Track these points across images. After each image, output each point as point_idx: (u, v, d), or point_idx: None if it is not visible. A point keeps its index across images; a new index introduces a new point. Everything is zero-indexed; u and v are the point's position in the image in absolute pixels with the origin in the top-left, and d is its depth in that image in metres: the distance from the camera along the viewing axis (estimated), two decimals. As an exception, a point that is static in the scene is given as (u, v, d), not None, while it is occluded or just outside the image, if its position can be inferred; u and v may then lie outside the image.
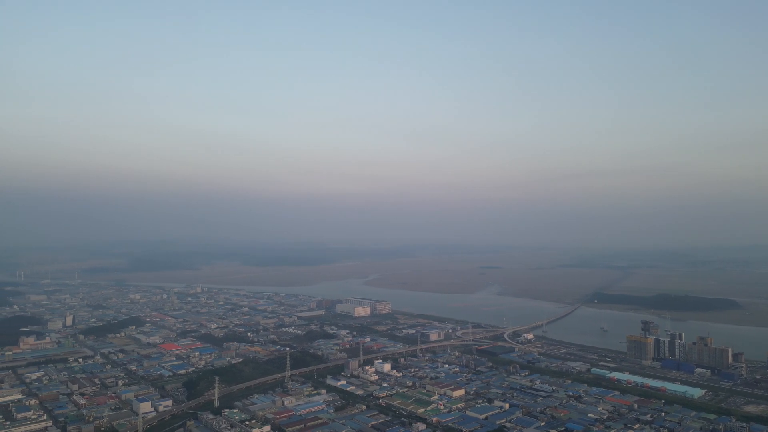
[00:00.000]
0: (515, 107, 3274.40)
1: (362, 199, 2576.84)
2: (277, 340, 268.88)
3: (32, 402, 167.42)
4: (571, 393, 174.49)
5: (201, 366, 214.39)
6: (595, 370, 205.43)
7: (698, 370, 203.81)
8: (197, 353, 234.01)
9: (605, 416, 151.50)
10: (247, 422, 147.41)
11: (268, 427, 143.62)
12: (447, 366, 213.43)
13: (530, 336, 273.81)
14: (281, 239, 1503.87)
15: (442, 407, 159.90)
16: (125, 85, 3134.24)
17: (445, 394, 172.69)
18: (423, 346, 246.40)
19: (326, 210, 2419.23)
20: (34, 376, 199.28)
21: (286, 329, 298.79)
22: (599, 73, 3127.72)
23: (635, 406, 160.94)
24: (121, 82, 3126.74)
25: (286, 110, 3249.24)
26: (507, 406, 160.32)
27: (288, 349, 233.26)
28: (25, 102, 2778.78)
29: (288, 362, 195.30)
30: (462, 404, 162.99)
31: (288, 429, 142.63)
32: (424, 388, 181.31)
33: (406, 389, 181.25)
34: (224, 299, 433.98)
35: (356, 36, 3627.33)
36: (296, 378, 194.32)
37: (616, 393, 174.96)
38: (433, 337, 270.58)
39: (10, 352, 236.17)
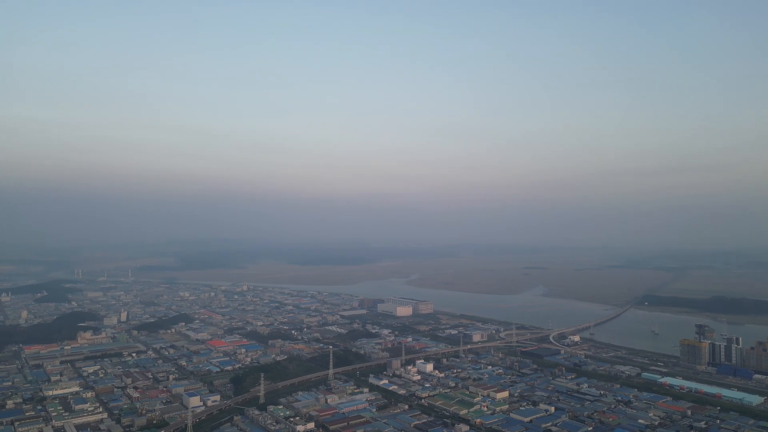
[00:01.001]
0: (554, 103, 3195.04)
1: (403, 198, 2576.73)
2: (320, 338, 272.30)
3: (89, 394, 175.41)
4: (620, 398, 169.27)
5: (247, 363, 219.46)
6: (645, 374, 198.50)
7: (756, 376, 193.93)
8: (243, 350, 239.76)
9: (656, 422, 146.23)
10: (292, 419, 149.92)
11: (312, 424, 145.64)
12: (490, 367, 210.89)
13: (576, 338, 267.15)
14: (324, 239, 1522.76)
15: (485, 409, 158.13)
16: (155, 87, 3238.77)
17: (488, 395, 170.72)
18: (466, 347, 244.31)
19: (368, 209, 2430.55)
20: (91, 370, 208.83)
21: (329, 328, 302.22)
22: (630, 71, 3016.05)
23: (689, 412, 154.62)
24: (152, 83, 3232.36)
25: (323, 110, 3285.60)
26: (552, 409, 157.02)
27: (331, 347, 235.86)
28: (71, 105, 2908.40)
29: (331, 360, 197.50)
30: (506, 406, 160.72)
31: (331, 427, 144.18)
32: (467, 389, 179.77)
33: (448, 390, 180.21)
34: (269, 297, 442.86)
35: (385, 36, 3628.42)
36: (339, 376, 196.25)
37: (668, 399, 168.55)
38: (476, 338, 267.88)
39: (69, 347, 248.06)
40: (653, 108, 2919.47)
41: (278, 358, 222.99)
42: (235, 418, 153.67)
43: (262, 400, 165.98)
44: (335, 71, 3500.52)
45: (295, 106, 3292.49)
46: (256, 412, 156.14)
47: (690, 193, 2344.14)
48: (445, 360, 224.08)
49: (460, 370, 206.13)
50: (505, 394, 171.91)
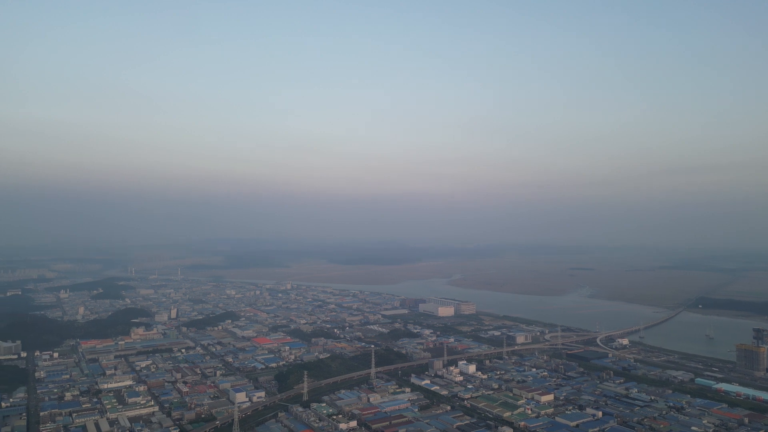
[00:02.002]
0: (602, 101, 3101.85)
1: (443, 198, 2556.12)
2: (362, 337, 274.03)
3: (141, 388, 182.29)
4: (671, 404, 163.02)
5: (291, 360, 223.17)
6: (699, 380, 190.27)
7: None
8: (287, 347, 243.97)
9: (711, 430, 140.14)
10: (335, 417, 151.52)
11: (354, 423, 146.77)
12: (535, 370, 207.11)
13: (625, 342, 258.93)
14: (365, 238, 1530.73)
15: (529, 412, 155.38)
16: (195, 91, 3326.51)
17: (532, 398, 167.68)
18: (509, 348, 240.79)
19: (409, 209, 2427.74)
20: (143, 364, 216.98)
21: (371, 327, 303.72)
22: (684, 66, 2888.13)
23: (746, 420, 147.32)
24: (191, 87, 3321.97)
25: (365, 111, 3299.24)
26: (600, 414, 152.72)
27: (373, 346, 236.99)
28: (116, 109, 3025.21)
29: (373, 359, 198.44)
30: (551, 410, 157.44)
31: (374, 425, 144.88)
32: (511, 391, 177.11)
33: (491, 392, 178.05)
34: (312, 296, 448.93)
35: (409, 35, 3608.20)
36: (381, 375, 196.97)
37: (724, 406, 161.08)
38: (520, 339, 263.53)
39: (123, 342, 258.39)
40: (697, 103, 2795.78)
41: (321, 356, 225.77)
42: (280, 414, 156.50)
43: (305, 398, 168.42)
44: (362, 72, 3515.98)
45: (329, 107, 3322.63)
46: (300, 409, 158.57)
47: (745, 191, 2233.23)
48: (487, 361, 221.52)
49: (503, 372, 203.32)
50: (550, 397, 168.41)
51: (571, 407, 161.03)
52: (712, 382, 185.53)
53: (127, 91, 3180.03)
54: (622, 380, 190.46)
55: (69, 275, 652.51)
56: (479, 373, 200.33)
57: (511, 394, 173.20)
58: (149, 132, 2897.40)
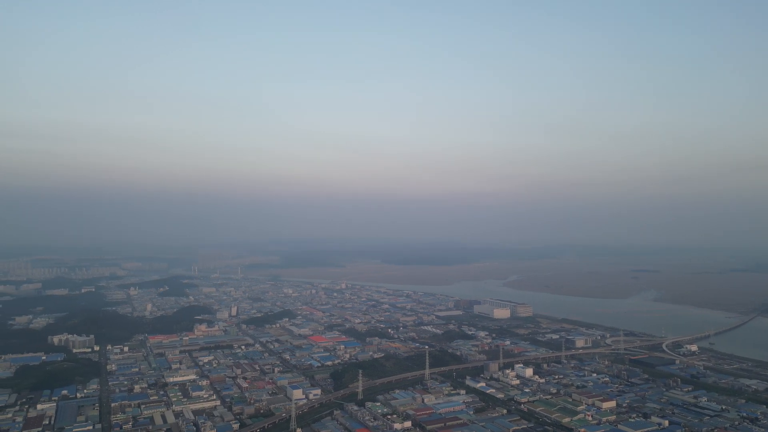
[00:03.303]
0: (658, 98, 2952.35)
1: (499, 198, 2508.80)
2: (416, 337, 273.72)
3: (204, 382, 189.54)
4: (744, 414, 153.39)
5: (346, 359, 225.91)
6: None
7: None
8: (342, 346, 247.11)
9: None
10: (389, 416, 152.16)
11: (409, 423, 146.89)
12: (595, 375, 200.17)
13: (694, 348, 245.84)
14: (420, 238, 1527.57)
15: (590, 418, 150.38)
16: (261, 93, 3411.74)
17: (593, 404, 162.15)
18: (568, 352, 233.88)
19: (464, 209, 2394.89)
20: (206, 360, 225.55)
21: (425, 327, 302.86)
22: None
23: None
24: (260, 90, 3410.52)
25: (419, 111, 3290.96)
26: (666, 423, 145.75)
27: (427, 347, 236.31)
28: (184, 112, 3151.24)
29: (427, 360, 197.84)
30: (613, 417, 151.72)
31: (428, 426, 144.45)
32: (570, 396, 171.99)
33: (549, 396, 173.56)
34: (366, 296, 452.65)
35: (470, 32, 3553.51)
36: (435, 376, 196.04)
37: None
38: (580, 343, 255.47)
39: (187, 338, 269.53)
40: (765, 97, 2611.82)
41: (375, 356, 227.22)
42: (335, 412, 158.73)
43: (360, 396, 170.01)
44: (409, 72, 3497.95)
45: (385, 107, 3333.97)
46: (355, 407, 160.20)
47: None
48: (545, 365, 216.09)
49: (562, 377, 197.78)
50: (612, 404, 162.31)
51: (634, 415, 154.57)
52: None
53: (198, 94, 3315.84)
54: (690, 388, 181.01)
55: (138, 273, 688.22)
56: (536, 376, 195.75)
57: (571, 400, 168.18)
58: (216, 135, 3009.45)
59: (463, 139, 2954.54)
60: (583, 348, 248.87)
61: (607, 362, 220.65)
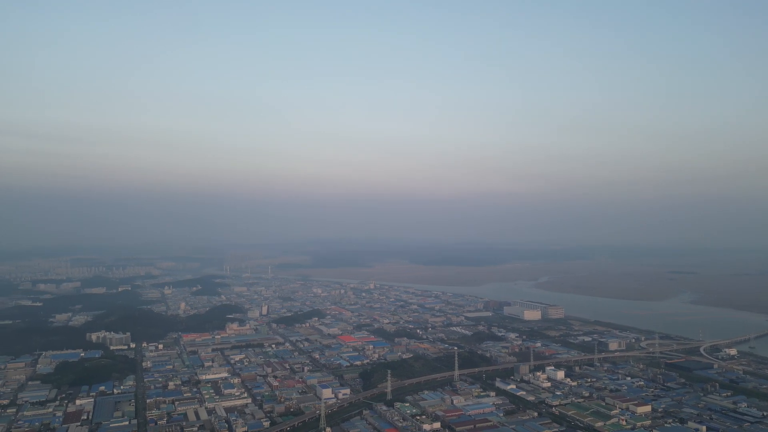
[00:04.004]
0: (697, 94, 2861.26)
1: (527, 197, 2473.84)
2: (445, 338, 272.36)
3: (236, 380, 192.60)
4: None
5: (374, 359, 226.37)
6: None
7: None
8: (371, 346, 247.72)
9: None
10: (418, 417, 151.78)
11: (438, 424, 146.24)
12: (629, 378, 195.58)
13: (733, 352, 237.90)
14: (449, 239, 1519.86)
15: (624, 423, 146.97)
16: (287, 96, 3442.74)
17: (627, 408, 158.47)
18: (601, 355, 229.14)
19: (491, 209, 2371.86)
20: (237, 358, 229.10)
21: (454, 328, 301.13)
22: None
23: None
24: (285, 93, 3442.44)
25: (439, 110, 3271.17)
26: (704, 429, 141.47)
27: (456, 348, 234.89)
28: (223, 115, 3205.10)
29: (456, 361, 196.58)
30: (648, 422, 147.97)
31: (458, 428, 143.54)
32: (603, 400, 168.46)
33: (582, 400, 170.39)
34: (395, 296, 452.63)
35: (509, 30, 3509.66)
36: (464, 378, 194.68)
37: None
38: (613, 346, 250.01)
39: (219, 336, 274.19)
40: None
41: (404, 356, 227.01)
42: (364, 412, 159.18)
43: (389, 397, 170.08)
44: (443, 71, 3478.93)
45: (406, 107, 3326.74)
46: (384, 407, 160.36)
47: None
48: (577, 368, 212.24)
49: (594, 380, 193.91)
50: (647, 408, 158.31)
51: (670, 420, 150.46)
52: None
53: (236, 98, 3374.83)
54: (729, 393, 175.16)
55: (172, 273, 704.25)
56: (568, 379, 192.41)
57: (604, 403, 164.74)
58: (243, 137, 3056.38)
59: (494, 139, 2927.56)
60: (616, 351, 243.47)
61: (641, 366, 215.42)
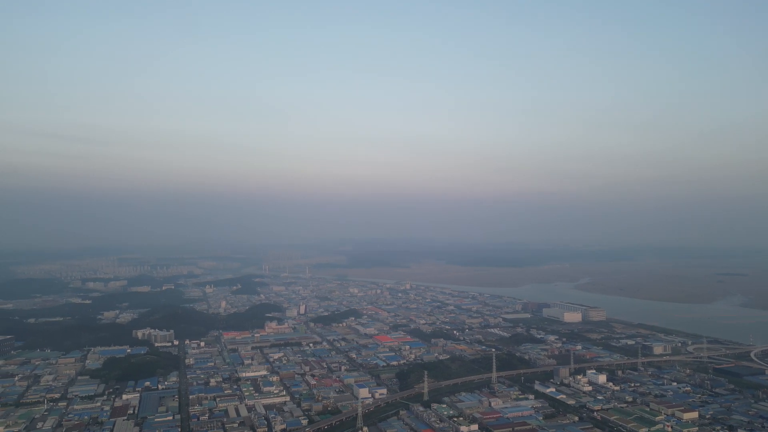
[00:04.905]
0: (750, 88, 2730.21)
1: (565, 197, 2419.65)
2: (482, 340, 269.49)
3: (274, 378, 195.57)
4: None
5: (411, 359, 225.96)
6: None
7: None
8: (407, 347, 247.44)
9: None
10: (455, 418, 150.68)
11: (475, 426, 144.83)
12: (675, 384, 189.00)
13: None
14: (486, 239, 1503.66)
15: (669, 429, 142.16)
16: (310, 97, 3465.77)
17: (673, 414, 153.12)
18: (645, 359, 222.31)
19: (527, 210, 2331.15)
20: (276, 356, 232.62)
21: (491, 330, 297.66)
22: None
23: None
24: (311, 94, 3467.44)
25: (474, 110, 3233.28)
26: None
27: (493, 350, 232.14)
28: (262, 118, 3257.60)
29: (494, 363, 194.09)
30: (695, 429, 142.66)
31: (495, 431, 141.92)
32: (647, 405, 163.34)
33: (625, 404, 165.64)
34: (431, 297, 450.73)
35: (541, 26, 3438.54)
36: (502, 380, 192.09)
37: None
38: (658, 350, 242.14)
39: (258, 335, 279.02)
40: None
41: (441, 357, 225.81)
42: (401, 412, 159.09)
43: (425, 397, 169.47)
44: (478, 71, 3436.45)
45: (447, 107, 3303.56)
46: (421, 408, 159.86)
47: None
48: (620, 372, 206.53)
49: (638, 384, 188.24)
50: (694, 415, 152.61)
51: (719, 427, 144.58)
52: None
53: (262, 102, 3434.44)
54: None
55: (213, 272, 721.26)
56: (610, 384, 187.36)
57: (648, 409, 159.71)
58: (280, 142, 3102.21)
59: (533, 139, 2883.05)
60: (661, 355, 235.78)
61: (688, 371, 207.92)
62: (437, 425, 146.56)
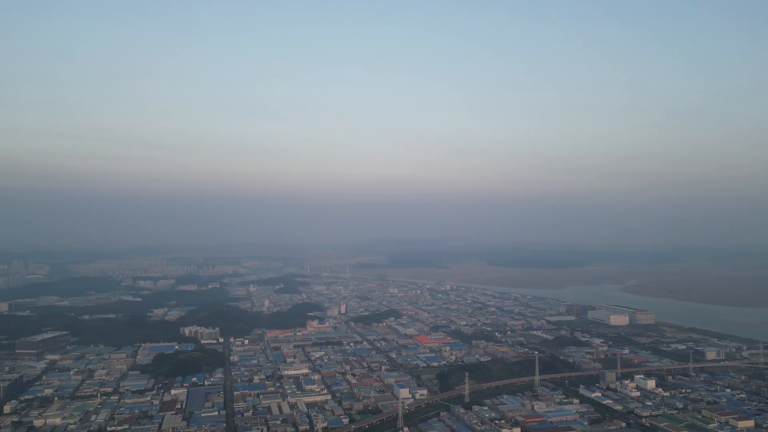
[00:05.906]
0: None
1: (612, 196, 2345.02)
2: (525, 342, 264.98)
3: (316, 377, 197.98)
4: None
5: (451, 360, 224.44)
6: None
7: None
8: (448, 348, 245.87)
9: None
10: (497, 421, 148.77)
11: (518, 429, 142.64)
12: (729, 391, 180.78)
13: None
14: (529, 240, 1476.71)
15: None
16: (356, 95, 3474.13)
17: (726, 422, 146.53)
18: (697, 364, 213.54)
19: (573, 209, 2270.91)
20: (317, 355, 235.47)
21: (534, 332, 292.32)
22: None
23: None
24: (350, 93, 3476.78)
25: (530, 109, 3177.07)
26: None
27: (536, 352, 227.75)
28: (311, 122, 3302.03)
29: (537, 366, 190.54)
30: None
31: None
32: (699, 412, 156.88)
33: (675, 411, 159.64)
34: (472, 298, 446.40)
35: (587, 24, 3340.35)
36: (545, 383, 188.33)
37: None
38: (711, 355, 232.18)
39: (300, 333, 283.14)
40: None
41: (482, 359, 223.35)
42: (442, 413, 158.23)
43: (466, 399, 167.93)
44: (513, 68, 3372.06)
45: (489, 106, 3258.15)
46: (462, 410, 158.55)
47: None
48: (670, 377, 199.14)
49: (689, 391, 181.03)
50: (750, 423, 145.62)
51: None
52: None
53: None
54: None
55: (256, 271, 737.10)
56: (660, 389, 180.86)
57: (700, 416, 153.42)
58: (312, 139, 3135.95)
59: (577, 137, 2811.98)
60: (714, 360, 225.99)
61: (743, 377, 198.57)
62: (478, 427, 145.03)
